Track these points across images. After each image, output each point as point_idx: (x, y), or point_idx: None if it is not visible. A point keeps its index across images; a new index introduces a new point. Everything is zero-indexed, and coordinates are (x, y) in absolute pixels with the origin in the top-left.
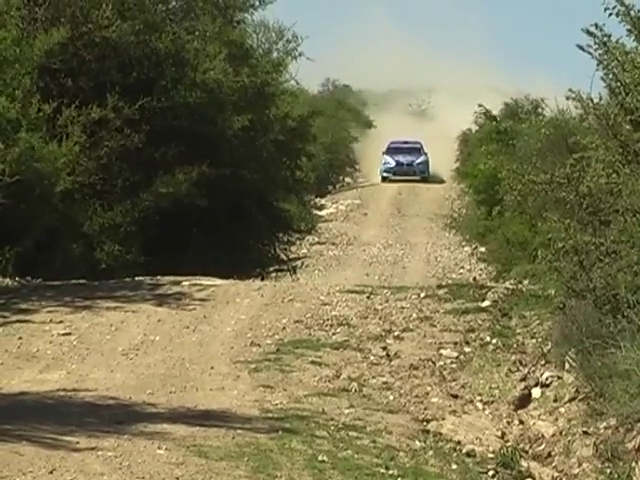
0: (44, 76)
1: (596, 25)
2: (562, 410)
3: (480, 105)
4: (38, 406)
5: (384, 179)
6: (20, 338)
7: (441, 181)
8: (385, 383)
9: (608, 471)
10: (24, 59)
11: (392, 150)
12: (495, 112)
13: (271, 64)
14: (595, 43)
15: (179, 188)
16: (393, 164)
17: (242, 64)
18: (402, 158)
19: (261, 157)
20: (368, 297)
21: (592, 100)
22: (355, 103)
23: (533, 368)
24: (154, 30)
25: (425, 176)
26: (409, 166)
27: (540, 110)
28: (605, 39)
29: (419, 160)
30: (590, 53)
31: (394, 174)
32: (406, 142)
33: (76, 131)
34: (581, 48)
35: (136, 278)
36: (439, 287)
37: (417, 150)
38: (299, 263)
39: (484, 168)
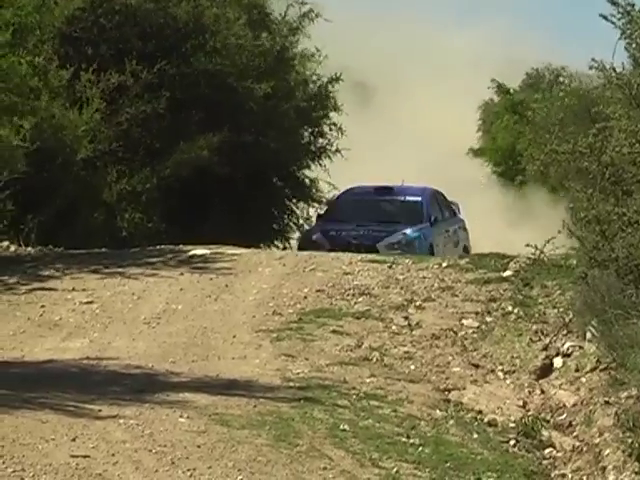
0: (64, 44)
1: None
2: (583, 380)
3: (493, 80)
4: (61, 374)
5: None
6: (43, 306)
7: None
8: (406, 352)
9: (629, 441)
10: (44, 26)
11: (342, 210)
12: (517, 83)
13: (288, 27)
14: (618, 12)
15: (200, 155)
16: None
17: (261, 28)
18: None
19: (282, 124)
20: (390, 267)
21: (615, 70)
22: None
23: (555, 338)
24: None
25: None
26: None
27: (561, 80)
28: (629, 8)
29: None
30: (613, 22)
31: None
32: (387, 188)
33: (95, 97)
34: (604, 17)
35: (158, 246)
36: (460, 257)
37: (410, 213)
38: None
39: (501, 143)
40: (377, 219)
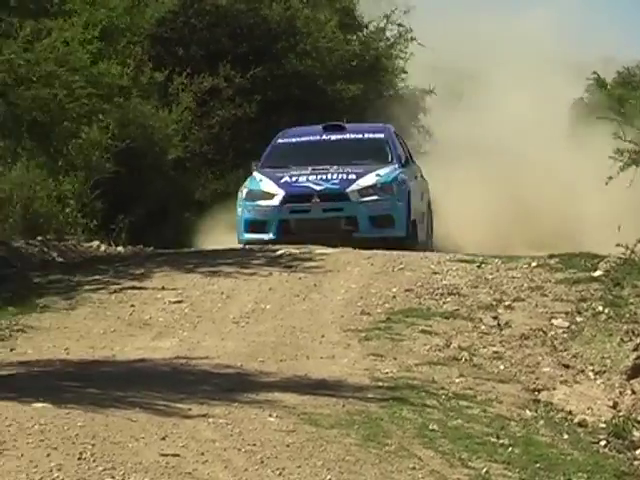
0: (156, 45)
1: None
2: None
3: (594, 72)
4: (151, 373)
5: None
6: (132, 305)
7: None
8: (496, 353)
9: None
10: (135, 27)
11: (286, 154)
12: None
13: (385, 42)
14: None
15: None
16: (276, 202)
17: (352, 32)
18: (314, 180)
19: None
20: (479, 266)
21: None
22: None
23: None
24: None
25: (404, 237)
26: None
27: None
28: None
29: (378, 181)
30: None
31: (285, 232)
32: (338, 126)
33: (187, 99)
34: None
35: (247, 246)
36: (550, 256)
37: (374, 152)
38: None
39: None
40: (335, 162)
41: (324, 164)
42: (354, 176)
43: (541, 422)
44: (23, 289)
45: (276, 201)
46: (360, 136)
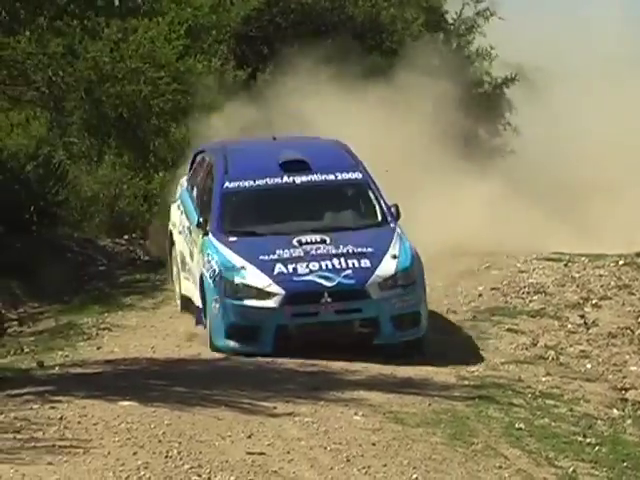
0: (240, 43)
1: None
2: None
3: None
4: (236, 371)
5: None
6: None
7: None
8: (583, 351)
9: None
10: (221, 26)
11: (242, 209)
12: None
13: (464, 25)
14: None
15: None
16: (273, 303)
17: (438, 29)
18: (319, 271)
19: None
20: (565, 265)
21: None
22: None
23: None
24: None
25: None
26: (351, 312)
27: None
28: None
29: (398, 267)
30: None
31: (283, 341)
32: (298, 162)
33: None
34: None
35: None
36: (638, 255)
37: (355, 204)
38: None
39: None
40: (310, 219)
41: (298, 225)
42: (367, 262)
43: (629, 421)
44: (109, 287)
45: (273, 302)
46: (332, 177)
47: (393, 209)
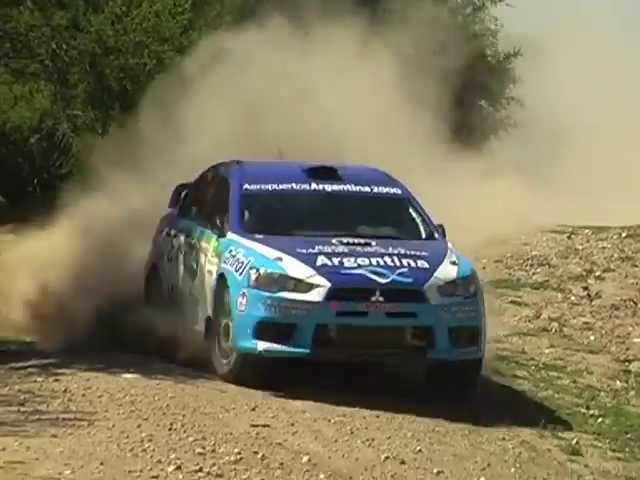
0: (244, 16)
1: None
2: None
3: None
4: None
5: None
6: None
7: None
8: (586, 323)
9: None
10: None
11: (264, 212)
12: None
13: (472, 6)
14: None
15: None
16: (316, 296)
17: (442, 4)
18: (369, 266)
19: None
20: (569, 237)
21: None
22: None
23: None
24: None
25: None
26: (404, 316)
27: None
28: None
29: (458, 274)
30: None
31: (323, 345)
32: (327, 169)
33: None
34: None
35: None
36: None
37: (396, 218)
38: None
39: None
40: (350, 230)
41: (327, 231)
42: (425, 263)
43: (632, 392)
44: None
45: (316, 295)
46: (367, 189)
47: (440, 229)
